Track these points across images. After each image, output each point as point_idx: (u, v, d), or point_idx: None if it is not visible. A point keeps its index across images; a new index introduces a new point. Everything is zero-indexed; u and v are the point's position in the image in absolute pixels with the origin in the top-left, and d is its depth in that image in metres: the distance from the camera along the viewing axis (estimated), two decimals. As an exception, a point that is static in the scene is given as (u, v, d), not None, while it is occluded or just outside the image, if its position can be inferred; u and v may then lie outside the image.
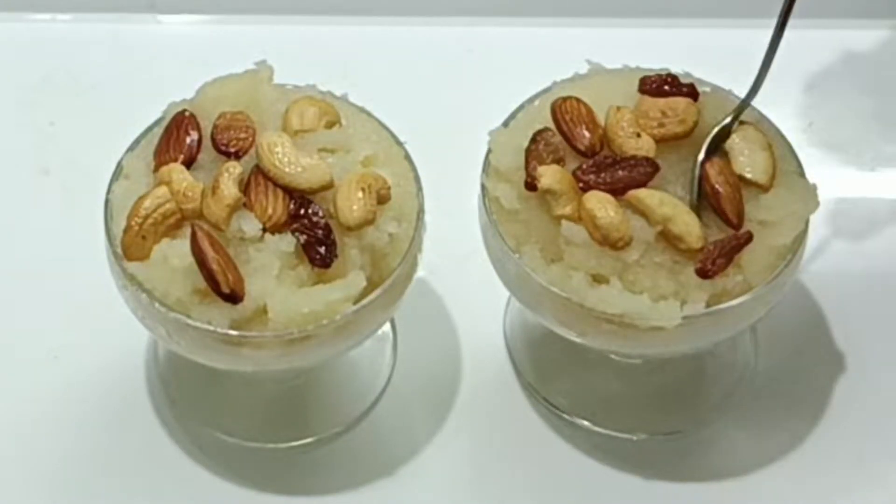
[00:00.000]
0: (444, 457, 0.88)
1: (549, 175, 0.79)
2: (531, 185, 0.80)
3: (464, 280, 0.90)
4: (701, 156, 0.81)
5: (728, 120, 0.82)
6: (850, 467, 0.89)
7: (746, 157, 0.81)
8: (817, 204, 0.81)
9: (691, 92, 0.83)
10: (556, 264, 0.80)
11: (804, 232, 0.81)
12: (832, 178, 0.99)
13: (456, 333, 0.93)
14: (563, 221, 0.79)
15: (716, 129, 0.82)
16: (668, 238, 0.79)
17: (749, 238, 0.79)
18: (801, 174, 0.82)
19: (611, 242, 0.78)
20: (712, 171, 0.80)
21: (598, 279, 0.79)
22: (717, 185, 0.80)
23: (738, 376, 0.92)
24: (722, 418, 0.90)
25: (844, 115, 1.03)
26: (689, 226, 0.78)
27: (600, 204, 0.78)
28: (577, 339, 0.82)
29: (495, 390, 0.91)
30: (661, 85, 0.83)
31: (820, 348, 0.93)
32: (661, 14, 1.06)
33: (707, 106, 0.83)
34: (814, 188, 0.81)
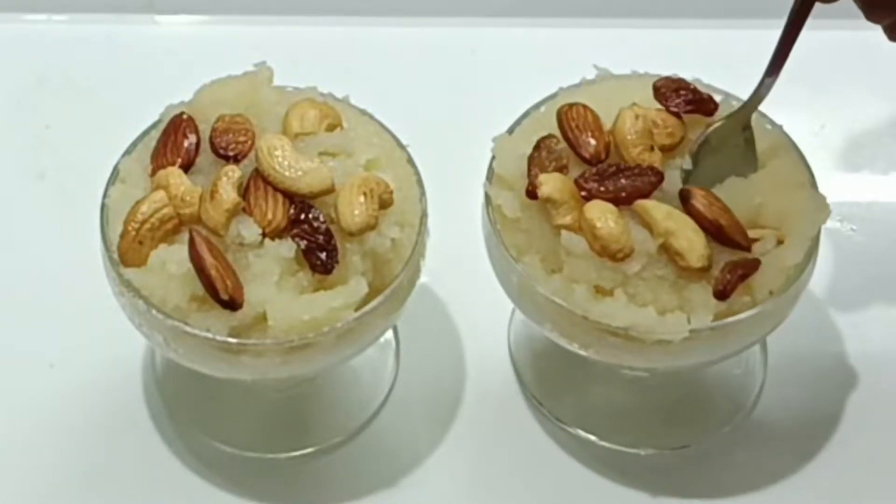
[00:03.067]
0: (446, 468, 0.88)
1: (549, 183, 0.79)
2: (532, 193, 0.79)
3: (468, 286, 0.89)
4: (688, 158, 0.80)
5: (720, 123, 0.81)
6: (860, 484, 0.88)
7: None
8: (827, 215, 0.79)
9: (711, 107, 0.82)
10: (557, 275, 0.79)
11: (814, 249, 0.80)
12: (844, 183, 0.99)
13: (460, 341, 0.92)
14: (563, 231, 0.78)
15: (709, 130, 0.81)
16: (668, 252, 0.77)
17: (757, 265, 0.77)
18: (812, 185, 0.81)
19: (610, 253, 0.77)
20: (701, 204, 0.78)
21: (600, 291, 0.78)
22: (714, 217, 0.78)
23: (747, 390, 0.91)
24: (730, 433, 0.90)
25: (857, 119, 1.02)
26: (691, 242, 0.77)
27: (601, 213, 0.78)
28: (581, 352, 0.81)
29: (499, 400, 0.91)
30: (675, 92, 0.83)
31: (831, 362, 0.92)
32: (670, 15, 1.05)
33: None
34: (823, 200, 0.80)
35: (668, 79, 0.83)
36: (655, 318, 0.77)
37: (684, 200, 0.78)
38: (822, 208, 0.80)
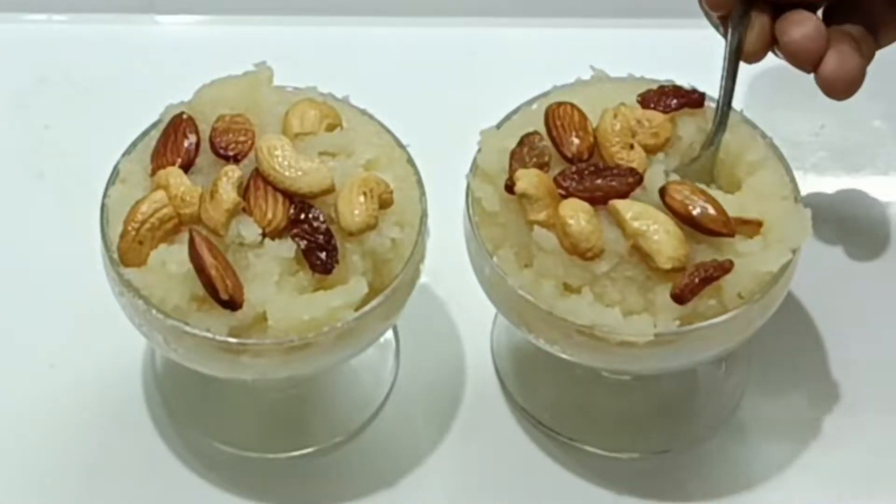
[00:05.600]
0: (446, 468, 0.88)
1: (525, 179, 0.78)
2: (511, 188, 0.79)
3: (468, 286, 0.89)
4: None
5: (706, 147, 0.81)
6: (843, 487, 0.87)
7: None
8: (808, 234, 0.79)
9: (698, 99, 0.82)
10: (528, 270, 0.79)
11: (793, 261, 0.79)
12: (843, 183, 0.98)
13: (460, 341, 0.92)
14: (535, 227, 0.78)
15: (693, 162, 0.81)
16: (640, 253, 0.77)
17: (730, 267, 0.77)
18: (797, 199, 0.81)
19: (579, 252, 0.77)
20: (672, 198, 0.78)
21: (569, 288, 0.78)
22: (685, 210, 0.77)
23: (730, 394, 0.91)
24: (714, 437, 0.89)
25: (856, 119, 1.02)
26: (659, 244, 0.76)
27: (573, 212, 0.77)
28: (548, 349, 0.81)
29: (500, 400, 0.90)
30: (659, 96, 0.82)
31: (815, 366, 0.91)
32: (670, 15, 1.05)
33: (704, 119, 0.83)
34: (807, 215, 0.79)
35: (650, 90, 0.83)
36: (620, 318, 0.77)
37: (662, 196, 0.78)
38: (805, 224, 0.79)
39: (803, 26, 0.79)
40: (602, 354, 0.79)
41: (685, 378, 0.91)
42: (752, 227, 0.78)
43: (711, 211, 0.77)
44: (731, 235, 0.77)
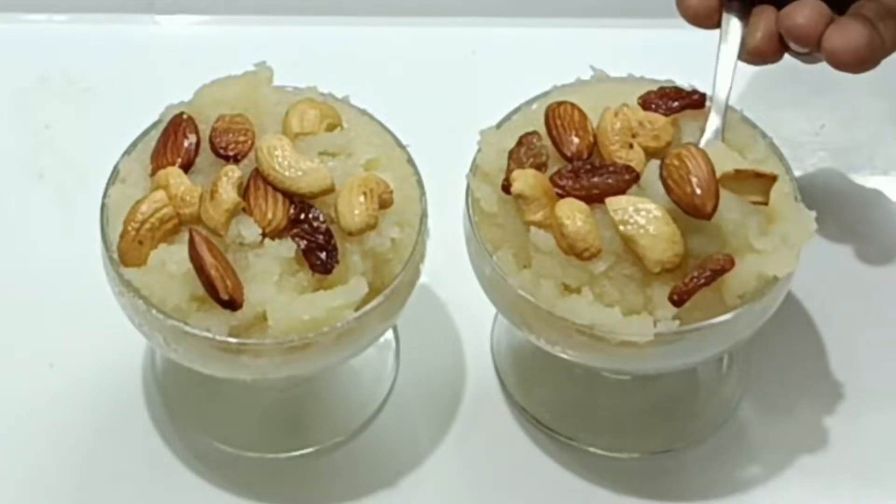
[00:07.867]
0: (446, 468, 0.88)
1: (521, 179, 0.78)
2: (507, 188, 0.79)
3: (468, 286, 0.89)
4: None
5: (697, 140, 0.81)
6: (844, 488, 0.87)
7: None
8: (810, 233, 0.79)
9: (699, 100, 0.82)
10: (528, 270, 0.79)
11: (795, 262, 0.79)
12: (844, 182, 0.98)
13: (460, 341, 0.92)
14: (532, 228, 0.78)
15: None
16: (633, 253, 0.77)
17: (729, 267, 0.76)
18: (797, 199, 0.81)
19: (576, 252, 0.77)
20: (666, 184, 0.77)
21: (568, 288, 0.78)
22: (671, 183, 0.77)
23: (730, 394, 0.91)
24: (714, 437, 0.89)
25: (857, 118, 1.02)
26: (645, 249, 0.76)
27: (570, 212, 0.77)
28: (549, 349, 0.81)
29: (500, 401, 0.90)
30: (661, 98, 0.82)
31: (816, 366, 0.91)
32: (671, 15, 1.05)
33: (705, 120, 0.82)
34: (810, 215, 0.79)
35: (651, 91, 0.83)
36: (620, 318, 0.77)
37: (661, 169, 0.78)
38: (807, 224, 0.79)
39: (805, 8, 0.80)
40: (602, 354, 0.79)
41: (685, 378, 0.91)
42: (766, 180, 0.77)
43: (698, 190, 0.76)
44: (708, 218, 0.76)
